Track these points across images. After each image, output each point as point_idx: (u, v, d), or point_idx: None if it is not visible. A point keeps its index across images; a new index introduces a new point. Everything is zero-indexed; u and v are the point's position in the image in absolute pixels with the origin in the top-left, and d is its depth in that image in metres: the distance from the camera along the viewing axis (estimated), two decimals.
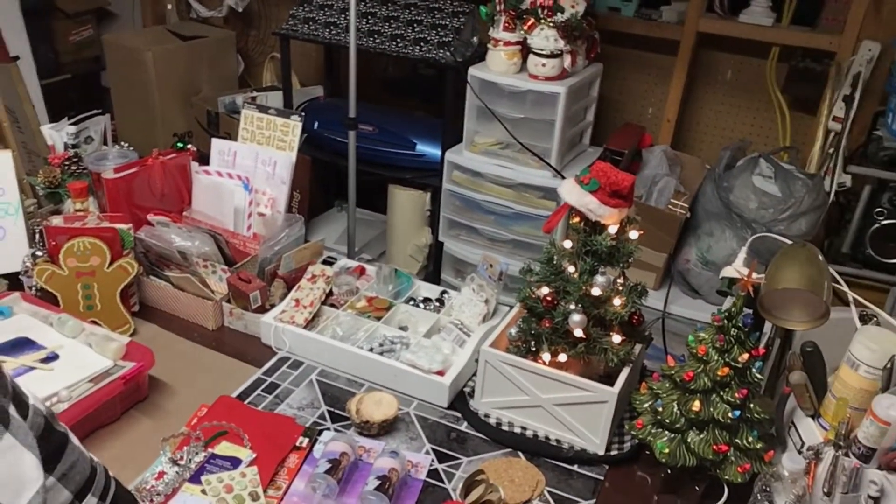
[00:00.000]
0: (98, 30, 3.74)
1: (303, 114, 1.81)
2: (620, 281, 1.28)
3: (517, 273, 1.38)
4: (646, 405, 1.22)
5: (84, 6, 3.66)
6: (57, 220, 1.54)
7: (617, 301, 1.24)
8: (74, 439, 0.71)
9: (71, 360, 1.31)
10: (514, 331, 1.34)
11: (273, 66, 3.32)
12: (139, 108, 3.14)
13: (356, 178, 2.45)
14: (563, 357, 1.29)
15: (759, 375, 1.12)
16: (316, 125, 2.68)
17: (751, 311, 1.14)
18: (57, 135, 1.89)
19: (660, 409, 1.17)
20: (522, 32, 2.20)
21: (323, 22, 2.62)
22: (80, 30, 3.67)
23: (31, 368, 1.28)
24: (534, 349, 1.32)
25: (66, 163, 1.77)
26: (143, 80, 3.06)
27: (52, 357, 1.32)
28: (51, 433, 0.68)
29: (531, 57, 2.20)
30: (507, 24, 2.21)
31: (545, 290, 1.29)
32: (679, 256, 2.35)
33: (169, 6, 3.58)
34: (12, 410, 0.63)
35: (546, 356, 1.29)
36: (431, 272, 2.64)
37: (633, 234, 1.25)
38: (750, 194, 2.17)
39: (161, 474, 1.15)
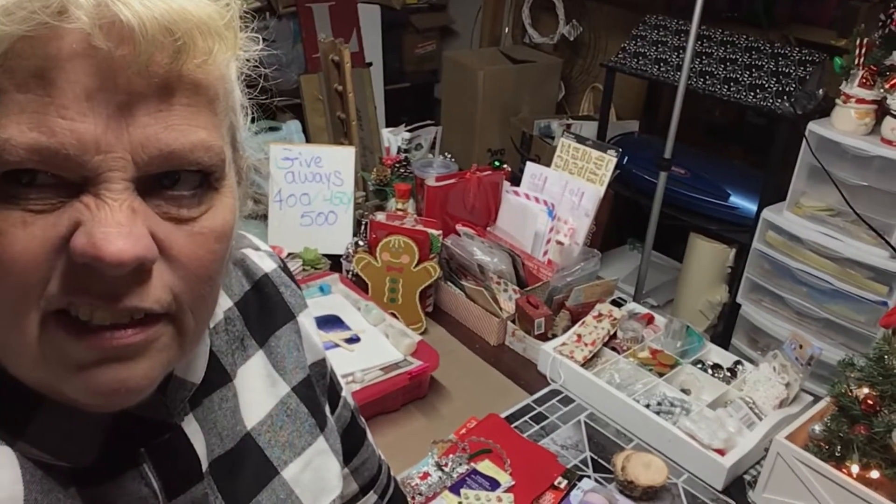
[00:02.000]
0: (440, 45, 4.08)
1: (619, 150, 1.78)
2: None
3: (830, 360, 1.21)
4: None
5: (432, 23, 4.03)
6: (380, 216, 1.70)
7: None
8: (370, 436, 0.75)
9: (370, 346, 1.42)
10: (817, 427, 1.17)
11: (592, 96, 3.35)
12: (462, 121, 3.37)
13: (656, 221, 2.36)
14: (875, 473, 1.10)
15: None
16: (626, 160, 2.64)
17: None
18: (394, 138, 2.09)
19: None
20: (882, 91, 1.94)
21: (653, 58, 2.57)
22: (424, 44, 4.04)
23: (336, 345, 1.42)
24: (838, 454, 1.14)
25: (397, 165, 1.94)
26: (471, 96, 3.28)
27: (355, 339, 1.45)
28: (354, 428, 0.72)
29: (888, 119, 1.93)
30: (864, 80, 1.97)
31: (866, 391, 1.11)
32: None
33: (506, 29, 3.79)
34: (326, 410, 0.64)
35: (854, 468, 1.11)
36: (720, 333, 2.45)
37: None
38: None
39: (425, 475, 1.20)
